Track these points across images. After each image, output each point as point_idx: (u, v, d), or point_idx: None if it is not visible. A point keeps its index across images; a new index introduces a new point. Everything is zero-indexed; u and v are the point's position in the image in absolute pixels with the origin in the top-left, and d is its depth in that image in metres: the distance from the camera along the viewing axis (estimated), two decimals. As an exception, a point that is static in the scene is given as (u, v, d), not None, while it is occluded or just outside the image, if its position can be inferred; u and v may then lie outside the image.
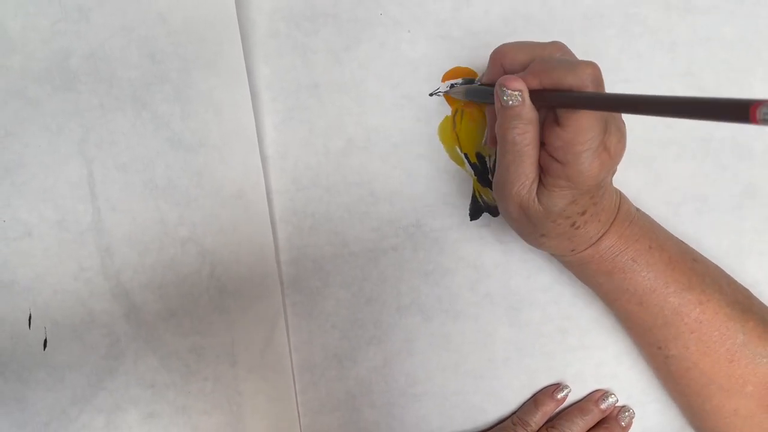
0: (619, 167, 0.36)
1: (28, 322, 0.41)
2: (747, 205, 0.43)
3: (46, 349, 0.41)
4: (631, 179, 0.43)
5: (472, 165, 0.43)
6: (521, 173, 0.34)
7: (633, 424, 0.43)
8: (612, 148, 0.32)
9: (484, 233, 0.43)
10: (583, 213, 0.35)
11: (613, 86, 0.40)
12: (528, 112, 0.33)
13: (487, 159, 0.43)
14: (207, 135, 0.41)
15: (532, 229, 0.36)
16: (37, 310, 0.41)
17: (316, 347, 0.43)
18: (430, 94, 0.43)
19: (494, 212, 0.43)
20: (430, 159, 0.43)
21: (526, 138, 0.33)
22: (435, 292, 0.43)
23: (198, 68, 0.41)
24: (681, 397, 0.41)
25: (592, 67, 0.31)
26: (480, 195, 0.43)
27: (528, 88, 0.33)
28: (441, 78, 0.43)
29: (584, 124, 0.31)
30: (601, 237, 0.36)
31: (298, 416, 0.43)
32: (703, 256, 0.40)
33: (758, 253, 0.43)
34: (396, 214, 0.43)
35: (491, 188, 0.43)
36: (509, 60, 0.35)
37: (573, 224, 0.35)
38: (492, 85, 0.35)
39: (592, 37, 0.43)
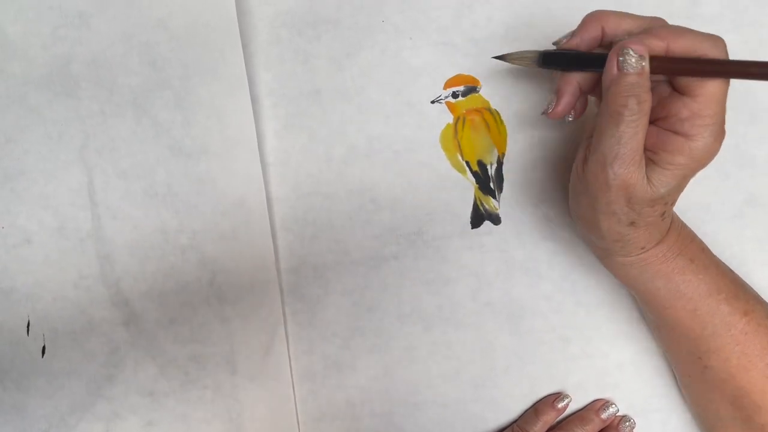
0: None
1: (26, 329, 0.41)
2: (749, 213, 0.43)
3: (44, 356, 0.41)
4: (633, 188, 0.42)
5: (473, 173, 0.43)
6: (636, 148, 0.31)
7: (634, 434, 0.43)
8: (724, 132, 0.31)
9: (486, 242, 0.43)
10: (673, 203, 0.33)
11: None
12: (647, 80, 0.31)
13: (488, 167, 0.43)
14: (208, 142, 0.41)
15: (622, 217, 0.33)
16: (36, 318, 0.41)
17: (317, 355, 0.43)
18: (432, 102, 0.43)
19: (495, 220, 0.43)
20: (432, 167, 0.43)
21: (645, 107, 0.31)
22: (436, 300, 0.43)
23: (199, 75, 0.41)
24: (710, 404, 0.39)
25: (722, 39, 0.30)
26: (481, 203, 0.43)
27: (650, 52, 0.31)
28: (443, 85, 0.42)
29: (716, 95, 0.30)
30: (668, 232, 0.35)
31: (298, 424, 0.43)
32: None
33: (761, 263, 0.43)
34: (397, 222, 0.43)
35: (493, 196, 0.43)
36: (612, 25, 0.33)
37: (663, 214, 0.33)
38: (572, 51, 0.33)
39: (594, 45, 0.42)
